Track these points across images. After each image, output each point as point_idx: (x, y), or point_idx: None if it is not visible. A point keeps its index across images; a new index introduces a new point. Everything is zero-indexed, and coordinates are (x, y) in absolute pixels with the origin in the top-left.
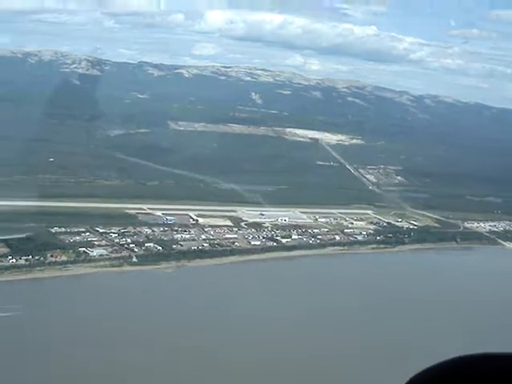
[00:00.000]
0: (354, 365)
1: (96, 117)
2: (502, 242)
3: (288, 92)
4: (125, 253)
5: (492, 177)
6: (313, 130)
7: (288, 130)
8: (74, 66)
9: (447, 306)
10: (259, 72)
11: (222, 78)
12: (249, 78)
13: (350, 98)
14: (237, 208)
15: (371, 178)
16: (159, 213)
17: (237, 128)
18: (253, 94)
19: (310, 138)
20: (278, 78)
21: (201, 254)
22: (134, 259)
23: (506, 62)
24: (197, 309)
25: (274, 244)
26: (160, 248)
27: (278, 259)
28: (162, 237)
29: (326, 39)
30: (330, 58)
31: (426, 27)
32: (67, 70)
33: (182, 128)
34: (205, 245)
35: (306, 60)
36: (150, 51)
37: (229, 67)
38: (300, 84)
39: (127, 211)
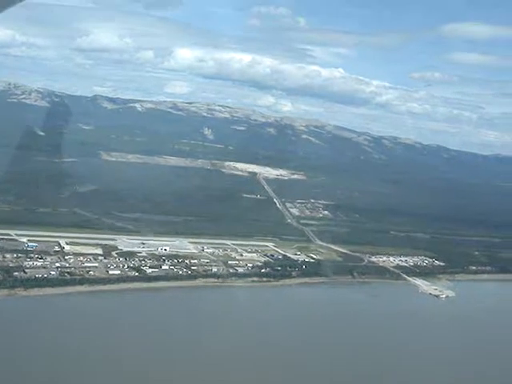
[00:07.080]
0: None
1: (25, 145)
2: (407, 276)
3: (242, 128)
4: None
5: (428, 214)
6: (254, 164)
7: (227, 163)
8: (23, 96)
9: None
10: (218, 108)
11: (179, 113)
12: (205, 114)
13: (304, 136)
14: (118, 237)
15: (295, 211)
16: (25, 239)
17: (172, 160)
18: (206, 128)
19: (248, 172)
20: (235, 115)
21: (43, 282)
22: None
23: (471, 107)
24: None
25: (136, 274)
26: None
27: (130, 290)
28: (9, 263)
29: (294, 80)
30: (300, 98)
31: (387, 69)
32: (15, 100)
33: (113, 159)
34: (53, 273)
35: (278, 101)
36: (125, 89)
37: (189, 103)
38: (257, 121)
39: None
